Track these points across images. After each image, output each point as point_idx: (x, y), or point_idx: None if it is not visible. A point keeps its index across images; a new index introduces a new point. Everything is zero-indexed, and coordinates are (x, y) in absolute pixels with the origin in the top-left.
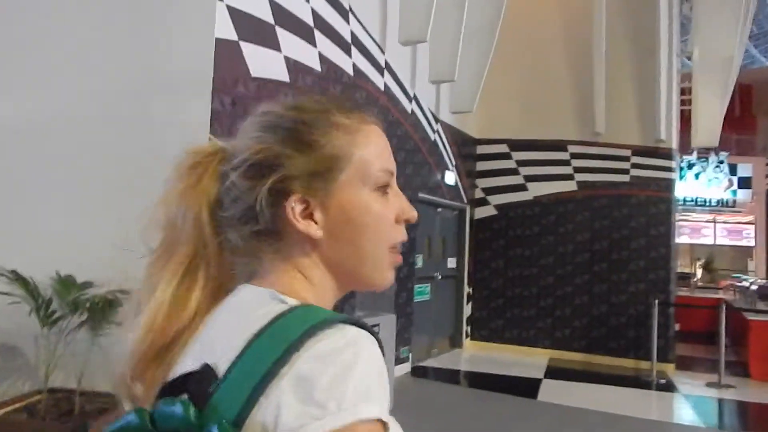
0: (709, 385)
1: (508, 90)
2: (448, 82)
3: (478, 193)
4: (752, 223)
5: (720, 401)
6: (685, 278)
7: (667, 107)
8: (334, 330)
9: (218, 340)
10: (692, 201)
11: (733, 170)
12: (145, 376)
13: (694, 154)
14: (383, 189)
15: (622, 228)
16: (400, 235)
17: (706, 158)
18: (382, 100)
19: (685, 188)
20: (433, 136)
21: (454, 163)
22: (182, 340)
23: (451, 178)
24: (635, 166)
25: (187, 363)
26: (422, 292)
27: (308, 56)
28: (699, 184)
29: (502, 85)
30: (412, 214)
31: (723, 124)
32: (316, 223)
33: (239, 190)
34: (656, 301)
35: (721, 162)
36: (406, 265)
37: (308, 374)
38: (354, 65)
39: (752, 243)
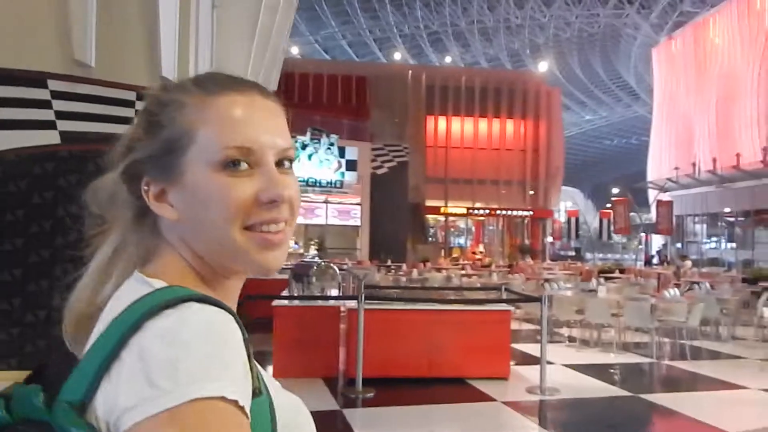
0: None
1: None
2: None
3: None
4: (359, 204)
5: None
6: None
7: (182, 36)
8: (179, 308)
9: (94, 332)
10: (304, 181)
11: (342, 153)
12: (77, 340)
13: (308, 135)
14: (231, 167)
15: None
16: (258, 214)
17: (319, 140)
18: None
19: (299, 169)
20: None
21: None
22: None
23: None
24: None
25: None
26: None
27: None
28: (311, 165)
29: None
30: (273, 192)
31: (336, 110)
32: (172, 206)
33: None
34: None
35: (332, 144)
36: None
37: (146, 353)
38: None
39: (359, 223)
